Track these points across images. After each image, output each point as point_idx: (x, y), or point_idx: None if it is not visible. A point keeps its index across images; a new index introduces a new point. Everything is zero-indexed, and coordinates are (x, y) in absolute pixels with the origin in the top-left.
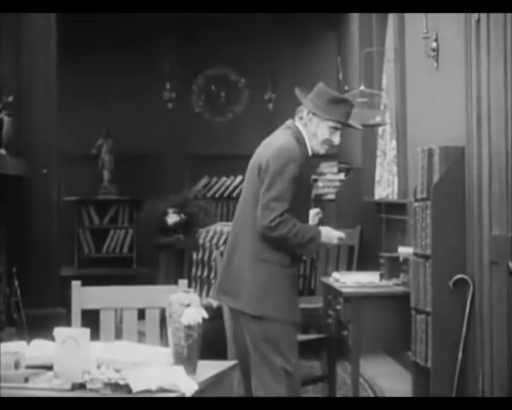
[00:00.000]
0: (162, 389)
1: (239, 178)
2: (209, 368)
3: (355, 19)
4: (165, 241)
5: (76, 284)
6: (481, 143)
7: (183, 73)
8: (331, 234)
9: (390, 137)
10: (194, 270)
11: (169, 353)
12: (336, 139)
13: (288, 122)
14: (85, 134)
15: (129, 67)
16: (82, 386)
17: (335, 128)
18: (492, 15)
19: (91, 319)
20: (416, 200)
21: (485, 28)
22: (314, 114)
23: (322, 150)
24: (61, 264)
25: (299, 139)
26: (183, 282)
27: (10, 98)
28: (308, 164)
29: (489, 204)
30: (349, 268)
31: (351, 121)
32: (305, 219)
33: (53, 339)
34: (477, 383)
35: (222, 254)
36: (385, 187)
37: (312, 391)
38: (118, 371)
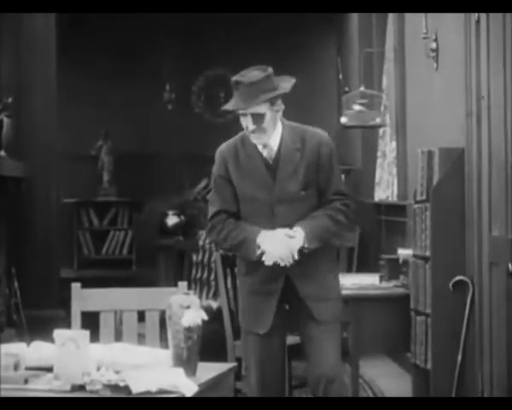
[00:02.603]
0: (162, 391)
1: None
2: (209, 370)
3: (355, 19)
4: (165, 243)
5: (76, 285)
6: (481, 144)
7: (182, 74)
8: (274, 248)
9: (390, 139)
10: (193, 272)
11: (169, 355)
12: (245, 125)
13: None
14: (85, 135)
15: (129, 68)
16: (82, 388)
17: (241, 115)
18: (492, 15)
19: (91, 321)
20: (416, 201)
21: (484, 28)
22: None
23: (253, 140)
24: (60, 266)
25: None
26: (183, 284)
27: (10, 99)
28: (250, 156)
29: (488, 205)
30: (349, 270)
31: (233, 103)
32: (266, 215)
33: (53, 341)
34: (476, 384)
35: (222, 256)
36: (385, 189)
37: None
38: (117, 372)
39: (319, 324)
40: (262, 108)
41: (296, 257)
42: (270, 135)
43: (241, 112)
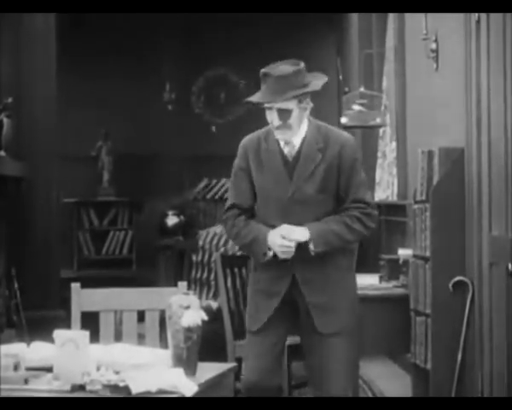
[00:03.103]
0: (162, 391)
1: None
2: (209, 370)
3: (355, 20)
4: (165, 243)
5: (75, 286)
6: (481, 144)
7: (182, 75)
8: (274, 238)
9: (390, 139)
10: (193, 272)
11: (168, 355)
12: (270, 120)
13: None
14: (85, 136)
15: (129, 68)
16: (81, 388)
17: (266, 109)
18: (492, 15)
19: (91, 322)
20: (416, 202)
21: (485, 28)
22: None
23: (277, 135)
24: (60, 266)
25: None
26: (183, 284)
27: (10, 100)
28: (271, 152)
29: (488, 205)
30: None
31: (259, 95)
32: (279, 214)
33: (52, 341)
34: (476, 384)
35: (222, 256)
36: (385, 189)
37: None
38: (117, 372)
39: (323, 337)
40: (289, 104)
41: (293, 246)
42: (295, 132)
43: (266, 106)
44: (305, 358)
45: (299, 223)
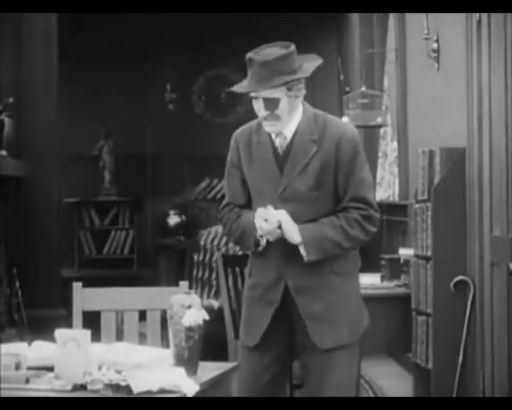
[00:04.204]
0: (163, 391)
1: None
2: (210, 369)
3: (356, 20)
4: (166, 242)
5: (77, 285)
6: (482, 144)
7: (183, 74)
8: (257, 221)
9: (391, 139)
10: (195, 271)
11: (170, 354)
12: (257, 109)
13: None
14: (86, 135)
15: (130, 68)
16: (83, 387)
17: (252, 98)
18: (493, 16)
19: (92, 321)
20: (417, 201)
21: (486, 29)
22: None
23: (265, 127)
24: (61, 265)
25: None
26: (184, 283)
27: (11, 99)
28: (261, 144)
29: (490, 205)
30: None
31: (244, 84)
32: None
33: (54, 340)
34: (478, 384)
35: (223, 255)
36: (386, 188)
37: None
38: (119, 372)
39: (320, 352)
40: (276, 93)
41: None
42: (286, 123)
43: (252, 95)
44: (302, 373)
45: None
